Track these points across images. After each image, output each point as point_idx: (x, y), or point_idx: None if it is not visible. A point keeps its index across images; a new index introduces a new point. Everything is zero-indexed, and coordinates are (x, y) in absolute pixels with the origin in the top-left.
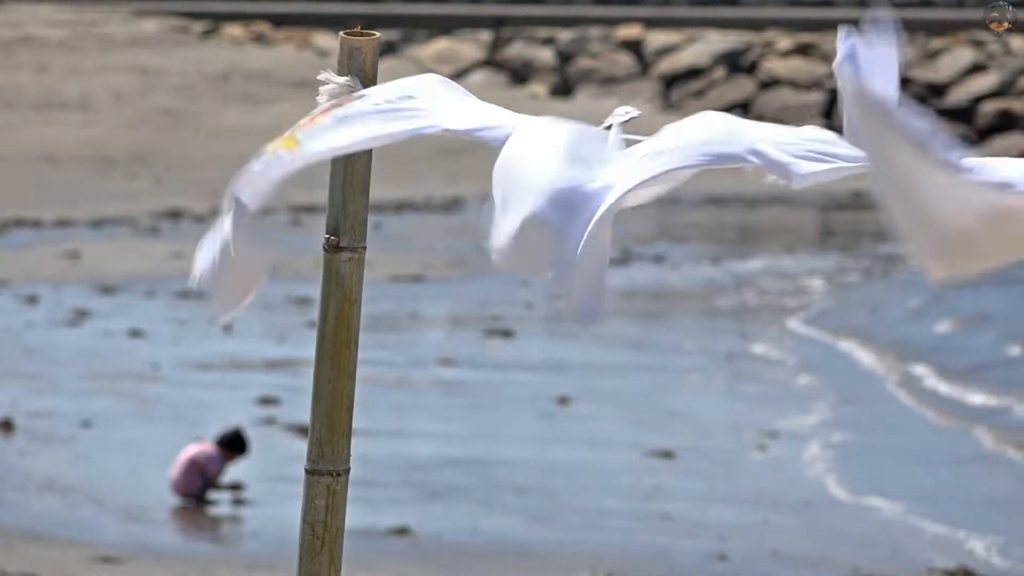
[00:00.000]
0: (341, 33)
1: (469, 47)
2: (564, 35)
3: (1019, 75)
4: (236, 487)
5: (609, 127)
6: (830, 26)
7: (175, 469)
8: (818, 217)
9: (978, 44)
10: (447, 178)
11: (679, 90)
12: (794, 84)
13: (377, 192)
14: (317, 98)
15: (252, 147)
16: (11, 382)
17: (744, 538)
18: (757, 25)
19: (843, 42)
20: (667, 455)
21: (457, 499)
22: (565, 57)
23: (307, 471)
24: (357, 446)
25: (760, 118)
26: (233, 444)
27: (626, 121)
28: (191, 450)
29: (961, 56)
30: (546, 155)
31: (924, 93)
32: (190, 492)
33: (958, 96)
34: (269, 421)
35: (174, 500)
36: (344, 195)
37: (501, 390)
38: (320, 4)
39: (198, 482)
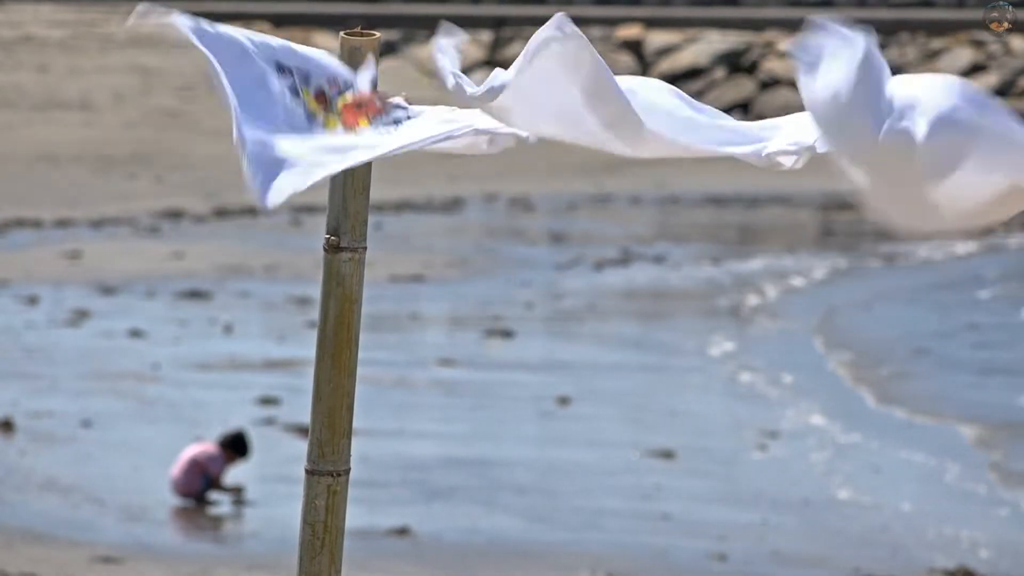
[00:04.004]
0: (341, 33)
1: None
2: None
3: (1019, 75)
4: (237, 490)
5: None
6: None
7: (176, 468)
8: (818, 217)
9: (978, 44)
10: (447, 178)
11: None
12: (794, 84)
13: (377, 192)
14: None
15: None
16: (11, 382)
17: (744, 538)
18: (757, 25)
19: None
20: (667, 455)
21: (457, 499)
22: None
23: (307, 471)
24: (357, 446)
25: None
26: (235, 446)
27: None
28: (193, 450)
29: (961, 56)
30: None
31: None
32: (191, 492)
33: None
34: (269, 421)
35: (174, 500)
36: (344, 195)
37: (501, 390)
38: (320, 4)
39: (199, 482)
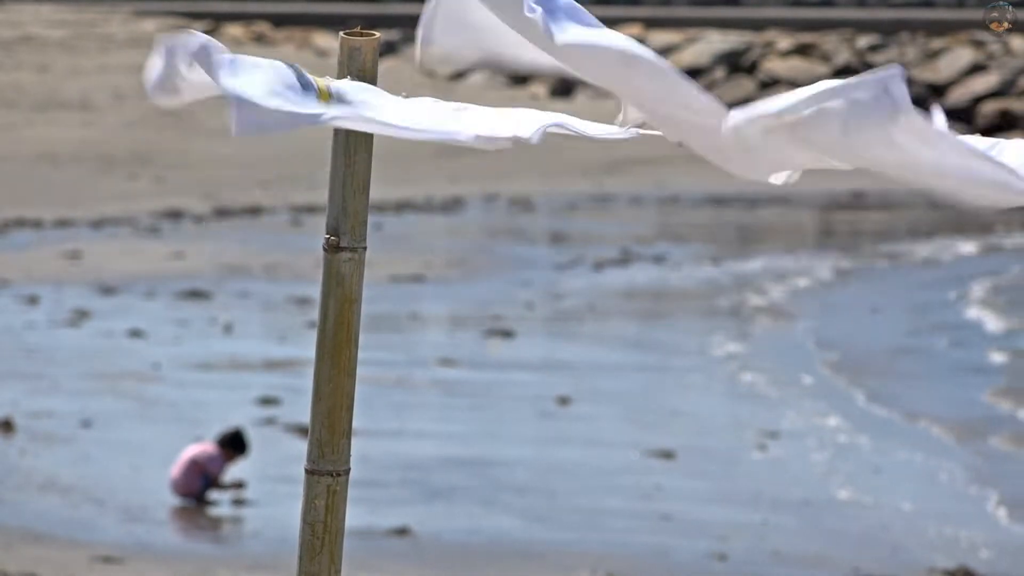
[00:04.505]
0: (341, 33)
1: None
2: None
3: (1019, 75)
4: (238, 485)
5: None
6: (830, 26)
7: (176, 469)
8: (818, 217)
9: (978, 44)
10: (447, 178)
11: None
12: (794, 84)
13: (377, 192)
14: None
15: (252, 147)
16: (11, 382)
17: (744, 538)
18: (757, 25)
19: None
20: (667, 455)
21: (457, 499)
22: None
23: (307, 471)
24: (357, 446)
25: None
26: (234, 444)
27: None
28: (192, 450)
29: (961, 56)
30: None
31: (924, 93)
32: (190, 492)
33: (958, 96)
34: (269, 421)
35: (174, 500)
36: (344, 195)
37: (501, 390)
38: (320, 4)
39: (199, 482)
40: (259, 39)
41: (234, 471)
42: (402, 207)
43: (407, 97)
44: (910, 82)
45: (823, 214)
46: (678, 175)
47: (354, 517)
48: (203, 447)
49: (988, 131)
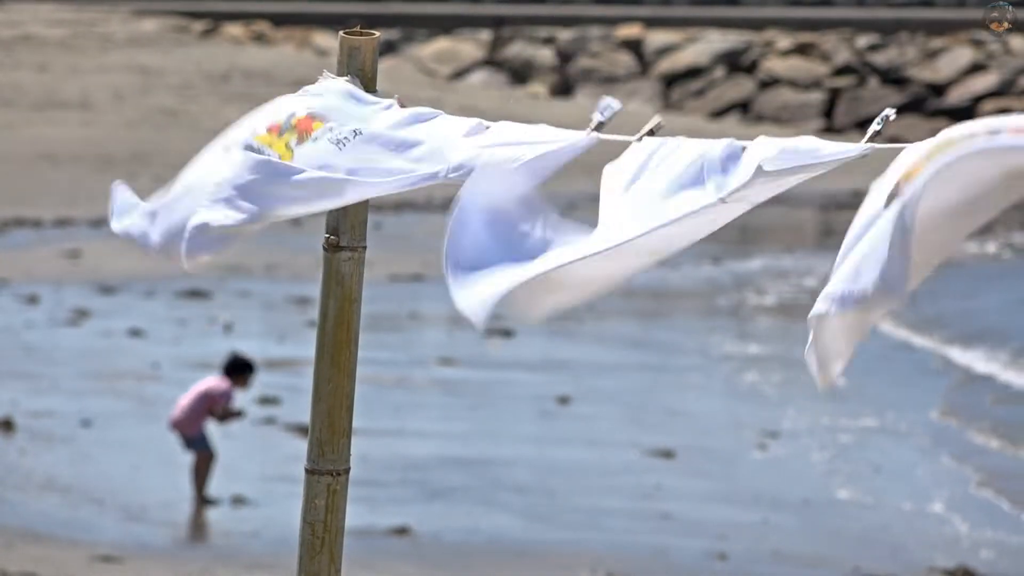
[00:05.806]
0: (341, 33)
1: (469, 47)
2: (564, 35)
3: (1019, 75)
4: (239, 413)
5: (598, 127)
6: (829, 26)
7: (184, 399)
8: (818, 217)
9: (978, 44)
10: None
11: (679, 90)
12: (794, 84)
13: None
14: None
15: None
16: (11, 382)
17: (744, 538)
18: (757, 25)
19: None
20: (667, 455)
21: (457, 499)
22: (565, 57)
23: (307, 471)
24: (357, 446)
25: (760, 117)
26: (239, 367)
27: (610, 118)
28: (205, 384)
29: (961, 56)
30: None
31: (924, 93)
32: (189, 432)
33: (958, 96)
34: (269, 421)
35: (173, 500)
36: None
37: (501, 390)
38: (320, 4)
39: (198, 426)
40: (259, 38)
41: (234, 468)
42: (402, 207)
43: (401, 102)
44: (910, 81)
45: (823, 214)
46: None
47: (354, 517)
48: (216, 381)
49: None
